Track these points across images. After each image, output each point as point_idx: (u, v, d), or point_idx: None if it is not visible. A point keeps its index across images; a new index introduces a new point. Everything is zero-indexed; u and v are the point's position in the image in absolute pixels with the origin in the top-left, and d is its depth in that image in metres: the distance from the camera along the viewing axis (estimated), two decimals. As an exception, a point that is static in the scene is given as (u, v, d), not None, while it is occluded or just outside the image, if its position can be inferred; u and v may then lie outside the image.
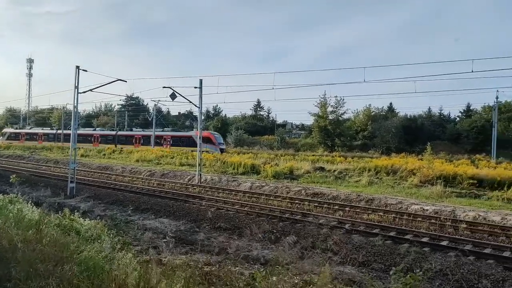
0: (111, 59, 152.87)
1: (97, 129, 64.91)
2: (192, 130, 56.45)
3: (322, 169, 28.10)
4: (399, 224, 13.83)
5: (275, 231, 12.95)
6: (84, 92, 20.92)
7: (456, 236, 11.83)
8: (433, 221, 13.89)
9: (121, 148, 48.77)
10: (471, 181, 21.63)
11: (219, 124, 72.78)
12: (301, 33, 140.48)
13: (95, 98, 64.25)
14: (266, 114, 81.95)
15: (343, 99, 62.68)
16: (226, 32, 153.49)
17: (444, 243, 11.06)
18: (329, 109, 64.01)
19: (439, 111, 69.66)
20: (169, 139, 52.09)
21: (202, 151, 42.91)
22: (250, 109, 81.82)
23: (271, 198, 19.10)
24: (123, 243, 7.67)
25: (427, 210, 15.87)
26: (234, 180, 24.65)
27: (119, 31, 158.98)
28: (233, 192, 20.77)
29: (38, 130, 70.60)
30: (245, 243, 12.30)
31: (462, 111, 67.82)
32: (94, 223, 9.09)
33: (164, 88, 23.77)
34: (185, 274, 5.93)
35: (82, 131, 65.02)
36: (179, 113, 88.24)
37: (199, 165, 24.57)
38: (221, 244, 11.32)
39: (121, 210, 16.53)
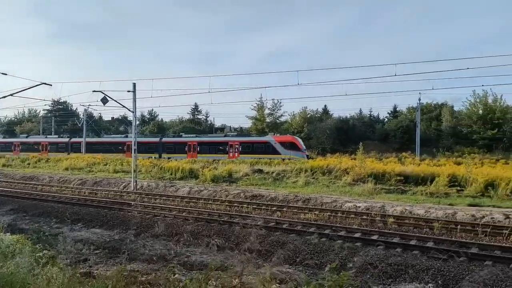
0: (35, 61, 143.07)
1: (129, 135, 53.24)
2: (267, 134, 47.33)
3: (260, 171, 28.41)
4: (334, 221, 14.32)
5: (214, 235, 12.86)
6: (4, 97, 19.48)
7: (385, 230, 12.49)
8: (364, 217, 14.56)
9: (169, 158, 41.68)
10: (398, 177, 23.01)
11: (155, 128, 71.04)
12: (240, 36, 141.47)
13: (18, 104, 58.92)
14: (204, 117, 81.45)
15: (280, 102, 64.15)
16: (162, 34, 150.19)
17: (375, 237, 11.62)
18: (267, 111, 65.15)
19: (369, 113, 73.50)
20: (237, 146, 43.34)
21: (285, 159, 37.02)
22: (188, 113, 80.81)
23: (210, 202, 18.95)
24: (48, 257, 7.17)
25: (359, 207, 16.61)
26: (172, 186, 24.15)
27: (45, 32, 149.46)
28: (171, 198, 20.34)
29: (41, 139, 57.47)
30: (184, 249, 12.09)
31: (389, 112, 72.13)
32: (16, 237, 8.45)
33: (94, 92, 22.69)
34: (117, 285, 5.69)
35: (107, 138, 54.94)
36: (113, 118, 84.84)
37: (134, 171, 23.74)
38: (158, 252, 11.04)
39: (49, 222, 15.57)
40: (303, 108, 68.08)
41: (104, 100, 22.72)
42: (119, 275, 7.41)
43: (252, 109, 64.90)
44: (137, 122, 25.40)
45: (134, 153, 24.25)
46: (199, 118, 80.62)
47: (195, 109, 79.28)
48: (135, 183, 23.64)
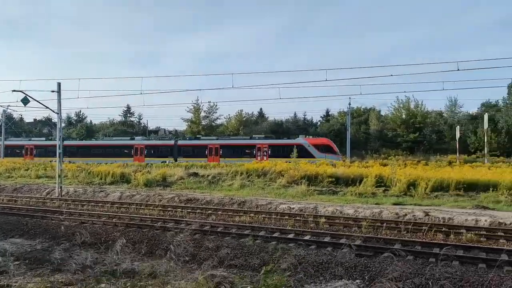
0: None
1: (136, 138, 49.82)
2: (298, 136, 45.25)
3: (195, 174, 28.10)
4: (268, 223, 14.50)
5: (146, 241, 12.45)
6: None
7: (317, 230, 12.89)
8: (298, 218, 14.91)
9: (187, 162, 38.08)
10: (330, 179, 23.95)
11: (84, 131, 67.51)
12: (174, 37, 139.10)
13: None
14: (137, 120, 78.91)
15: (216, 105, 64.02)
16: (90, 33, 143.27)
17: (307, 237, 11.94)
18: (202, 114, 64.68)
19: (304, 116, 75.71)
20: (265, 149, 41.94)
21: (320, 162, 34.93)
22: (119, 115, 77.77)
23: (142, 207, 18.37)
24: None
25: (293, 208, 17.00)
26: (101, 191, 23.06)
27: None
28: (100, 204, 19.41)
29: (24, 142, 50.45)
30: (113, 257, 11.56)
31: (322, 116, 74.88)
32: None
33: (14, 92, 20.99)
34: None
35: (110, 141, 49.02)
36: (35, 119, 79.22)
37: (59, 176, 22.32)
38: (85, 261, 10.44)
39: (-40, 233, 14.09)
40: (239, 111, 68.61)
41: (25, 101, 21.10)
42: (41, 287, 6.90)
43: (188, 112, 64.14)
44: (63, 124, 23.85)
45: (59, 157, 22.84)
46: (132, 121, 78.01)
47: (127, 111, 76.57)
48: (59, 189, 22.23)
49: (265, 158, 40.68)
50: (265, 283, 6.23)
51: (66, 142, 48.25)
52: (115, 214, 16.55)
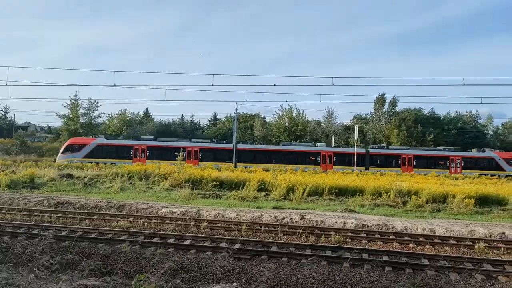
0: None
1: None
2: (484, 150, 46.55)
3: (70, 176, 25.90)
4: (148, 228, 13.98)
5: (5, 250, 11.01)
6: None
7: (198, 234, 12.80)
8: (179, 222, 14.64)
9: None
10: (214, 183, 24.07)
11: None
12: (50, 24, 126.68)
13: None
14: (3, 113, 69.91)
15: (98, 102, 60.11)
16: None
17: (187, 242, 11.78)
18: (81, 111, 60.17)
19: (191, 119, 75.32)
20: (458, 161, 43.78)
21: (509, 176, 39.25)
22: (-19, 106, 68.01)
23: (3, 211, 16.25)
24: None
25: (175, 212, 16.64)
26: (-50, 193, 19.78)
27: None
28: None
29: (182, 143, 44.54)
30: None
31: (209, 119, 75.43)
32: None
33: None
34: None
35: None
36: None
37: None
38: None
39: None
40: (122, 110, 65.41)
41: None
42: None
43: (65, 107, 58.91)
44: None
45: None
46: (-5, 114, 68.98)
47: (-9, 103, 67.42)
48: None
49: (458, 170, 43.68)
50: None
51: (240, 146, 45.01)
52: (-34, 220, 14.32)
